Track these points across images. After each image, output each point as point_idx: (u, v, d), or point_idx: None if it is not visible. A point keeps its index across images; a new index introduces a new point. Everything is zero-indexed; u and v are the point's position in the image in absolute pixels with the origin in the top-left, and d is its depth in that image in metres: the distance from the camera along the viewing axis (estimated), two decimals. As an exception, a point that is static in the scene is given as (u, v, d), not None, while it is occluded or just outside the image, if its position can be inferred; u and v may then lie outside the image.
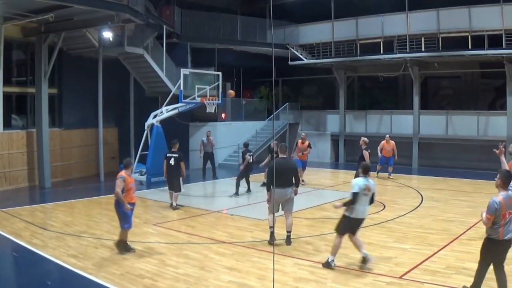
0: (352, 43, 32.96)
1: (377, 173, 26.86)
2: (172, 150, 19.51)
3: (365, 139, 21.43)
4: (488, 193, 21.07)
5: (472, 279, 9.76)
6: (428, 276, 10.77)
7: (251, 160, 22.18)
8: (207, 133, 28.27)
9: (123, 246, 12.90)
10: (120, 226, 12.91)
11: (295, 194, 13.79)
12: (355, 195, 11.16)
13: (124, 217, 12.77)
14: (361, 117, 35.20)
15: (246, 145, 23.29)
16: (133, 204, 13.06)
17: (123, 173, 12.95)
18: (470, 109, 31.29)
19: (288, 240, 13.64)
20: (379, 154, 26.72)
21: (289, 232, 13.72)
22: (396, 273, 11.04)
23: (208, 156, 27.96)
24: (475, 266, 10.28)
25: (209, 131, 28.51)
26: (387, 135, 27.18)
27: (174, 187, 19.29)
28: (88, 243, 13.89)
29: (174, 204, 19.15)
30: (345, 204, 11.34)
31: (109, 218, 17.41)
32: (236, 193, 21.78)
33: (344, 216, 11.42)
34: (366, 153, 20.65)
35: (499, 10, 26.91)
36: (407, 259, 12.08)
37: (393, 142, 26.76)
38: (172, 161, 19.11)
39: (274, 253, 11.66)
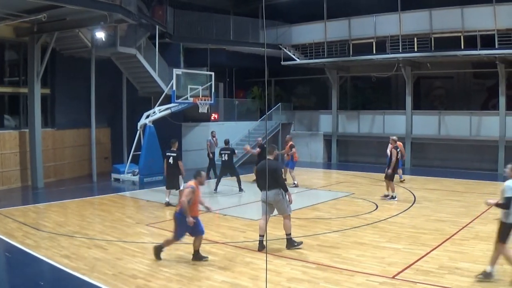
0: (345, 43, 32.98)
1: (400, 177, 25.22)
2: (172, 149, 19.68)
3: (395, 137, 21.47)
4: (480, 193, 21.20)
5: (465, 279, 9.78)
6: (421, 276, 10.78)
7: (224, 158, 22.37)
8: (212, 133, 28.05)
9: (156, 252, 12.35)
10: (173, 236, 12.23)
11: (290, 201, 13.40)
12: (509, 200, 10.31)
13: (180, 227, 12.01)
14: (354, 117, 35.22)
15: (225, 142, 23.39)
16: (195, 218, 12.02)
17: (193, 183, 12.17)
18: (463, 109, 31.35)
19: (288, 244, 13.31)
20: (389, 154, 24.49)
21: (288, 235, 13.41)
22: (388, 273, 11.06)
23: (213, 156, 27.78)
24: (468, 266, 10.33)
25: (214, 131, 28.37)
26: (394, 137, 24.63)
27: (174, 185, 19.58)
28: (81, 243, 13.86)
29: (167, 199, 19.69)
30: (497, 205, 10.75)
31: (102, 218, 17.45)
32: (215, 189, 22.40)
33: (501, 223, 10.53)
34: (394, 152, 20.57)
35: (491, 10, 26.99)
36: (400, 259, 12.10)
37: (400, 142, 24.50)
38: (171, 160, 19.34)
39: (266, 253, 11.65)
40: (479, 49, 27.37)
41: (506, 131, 28.46)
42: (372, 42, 31.64)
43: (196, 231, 12.10)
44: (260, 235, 13.21)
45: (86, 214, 18.17)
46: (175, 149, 19.61)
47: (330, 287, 10.37)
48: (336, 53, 33.43)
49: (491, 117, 29.56)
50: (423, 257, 12.25)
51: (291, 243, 13.30)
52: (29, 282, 10.89)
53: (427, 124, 31.69)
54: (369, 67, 34.65)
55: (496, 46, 26.85)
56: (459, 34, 28.22)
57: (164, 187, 20.10)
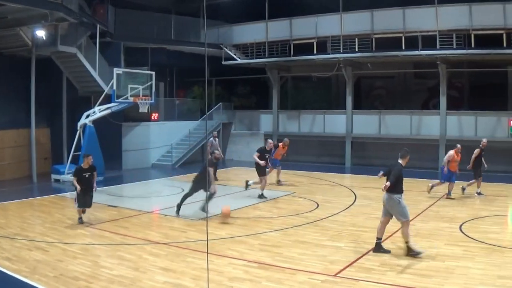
0: (286, 43, 33.15)
1: (449, 193, 20.93)
2: None
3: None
4: (420, 191, 21.53)
5: (406, 275, 9.97)
6: (363, 273, 10.94)
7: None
8: (213, 134, 27.96)
9: None
10: None
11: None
12: None
13: None
14: (295, 117, 35.40)
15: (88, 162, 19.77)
16: None
17: None
18: (404, 108, 31.80)
19: (409, 251, 12.42)
20: (445, 169, 20.82)
21: (406, 242, 12.60)
22: (330, 271, 11.20)
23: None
24: (409, 262, 10.49)
25: (216, 132, 28.07)
26: (458, 145, 20.94)
27: None
28: (22, 245, 13.65)
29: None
30: None
31: (42, 220, 17.18)
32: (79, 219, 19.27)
33: None
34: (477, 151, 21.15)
35: (433, 11, 27.56)
36: (341, 257, 12.25)
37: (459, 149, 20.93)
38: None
39: (208, 253, 11.66)
40: (420, 50, 27.92)
41: (447, 130, 29.05)
42: (313, 42, 31.85)
43: None
44: (377, 237, 12.96)
45: (27, 215, 17.87)
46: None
47: (272, 286, 10.45)
48: (277, 53, 33.61)
49: (431, 116, 30.18)
50: (364, 255, 12.44)
51: (410, 251, 12.42)
52: (-31, 286, 10.73)
53: (367, 123, 32.08)
54: (310, 67, 34.92)
55: (437, 47, 27.43)
56: (401, 34, 28.69)
57: (104, 187, 19.70)
